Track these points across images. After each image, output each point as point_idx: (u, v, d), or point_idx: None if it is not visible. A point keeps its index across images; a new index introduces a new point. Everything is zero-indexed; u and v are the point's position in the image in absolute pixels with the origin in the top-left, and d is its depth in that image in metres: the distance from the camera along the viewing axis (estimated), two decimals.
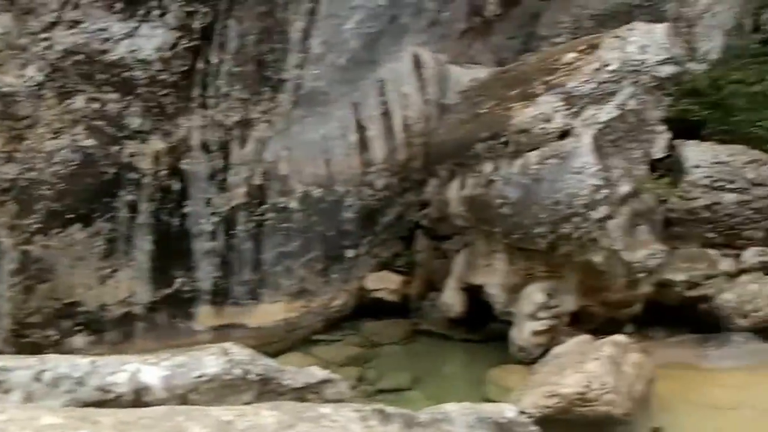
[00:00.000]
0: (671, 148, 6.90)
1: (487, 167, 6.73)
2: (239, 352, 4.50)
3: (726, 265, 6.74)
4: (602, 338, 6.05)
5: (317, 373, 4.62)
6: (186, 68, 6.72)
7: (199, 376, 4.23)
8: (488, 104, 7.11)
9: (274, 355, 6.65)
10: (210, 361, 4.33)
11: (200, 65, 6.81)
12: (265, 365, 4.52)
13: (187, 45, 6.69)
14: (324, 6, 7.22)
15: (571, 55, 6.97)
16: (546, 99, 6.65)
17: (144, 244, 6.76)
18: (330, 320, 7.43)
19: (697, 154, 6.88)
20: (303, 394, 4.51)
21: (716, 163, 6.84)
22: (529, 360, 6.31)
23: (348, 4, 7.34)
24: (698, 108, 7.06)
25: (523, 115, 6.64)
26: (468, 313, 7.11)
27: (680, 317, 6.73)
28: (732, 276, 6.72)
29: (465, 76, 7.91)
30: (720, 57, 7.62)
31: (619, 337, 6.03)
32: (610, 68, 6.71)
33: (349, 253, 7.53)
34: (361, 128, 7.50)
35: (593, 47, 6.93)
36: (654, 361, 6.16)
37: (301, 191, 7.28)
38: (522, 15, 8.62)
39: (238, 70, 6.95)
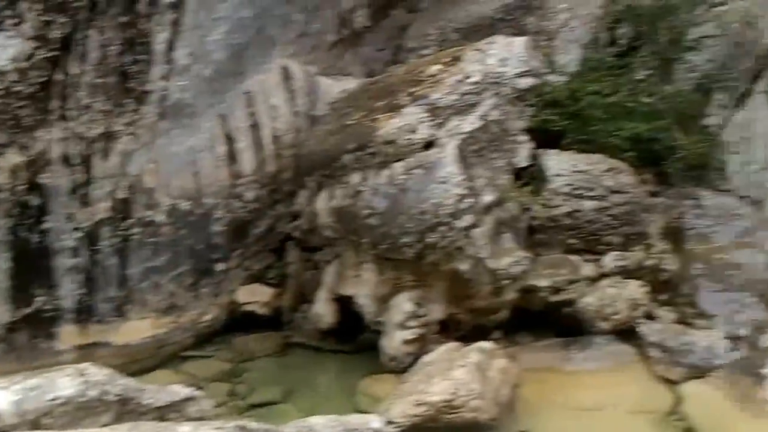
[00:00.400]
0: (534, 157, 7.07)
1: (355, 178, 6.77)
2: (96, 372, 4.39)
3: (587, 270, 6.93)
4: (470, 345, 6.20)
5: (179, 391, 4.56)
6: (44, 79, 6.48)
7: (53, 399, 4.11)
8: (356, 115, 7.16)
9: (142, 372, 6.60)
10: (64, 383, 4.20)
11: (59, 76, 6.58)
12: (124, 385, 4.43)
13: (45, 55, 6.45)
14: (188, 17, 7.09)
15: (435, 67, 7.10)
16: (411, 110, 6.75)
17: (1, 262, 6.49)
18: (200, 335, 7.30)
19: (558, 163, 7.06)
20: (164, 413, 4.44)
21: (576, 171, 7.04)
22: (400, 369, 6.37)
23: (213, 15, 7.24)
24: (558, 118, 7.21)
25: (389, 126, 6.71)
26: (340, 324, 7.13)
27: (545, 322, 6.90)
28: (593, 280, 6.91)
29: (335, 87, 7.93)
30: (578, 69, 7.85)
31: (485, 344, 6.18)
32: (471, 80, 6.87)
33: (220, 266, 7.43)
34: (229, 140, 7.41)
35: (456, 59, 7.08)
36: (520, 366, 6.35)
37: (169, 204, 7.13)
38: (391, 27, 8.73)
39: (100, 82, 6.75)
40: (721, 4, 7.64)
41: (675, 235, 7.21)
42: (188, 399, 4.52)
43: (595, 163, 7.11)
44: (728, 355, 6.41)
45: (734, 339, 6.53)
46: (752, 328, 6.60)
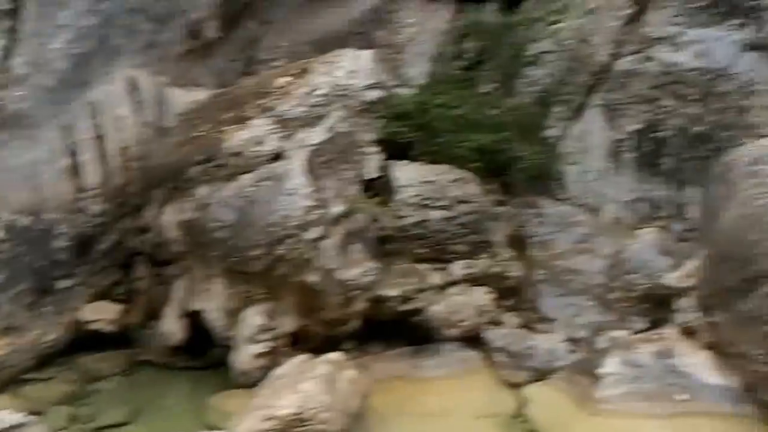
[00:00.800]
0: (383, 168, 7.15)
1: (203, 191, 6.70)
2: None
3: (435, 278, 7.04)
4: (320, 357, 6.21)
5: (7, 417, 4.37)
6: None
7: None
8: (204, 127, 7.08)
9: None
10: None
11: None
12: None
13: None
14: (27, 25, 6.88)
15: (283, 79, 7.11)
16: (259, 122, 6.75)
17: None
18: (42, 356, 7.01)
19: (406, 174, 7.16)
20: None
21: (424, 182, 7.15)
22: (251, 383, 6.31)
23: (54, 23, 7.03)
24: (407, 130, 7.32)
25: (237, 138, 6.69)
26: (190, 340, 7.01)
27: (396, 331, 6.97)
28: (441, 288, 7.03)
29: (184, 98, 7.80)
30: (426, 82, 8.03)
31: (334, 355, 6.21)
32: (319, 92, 6.92)
33: (63, 283, 7.17)
34: (72, 152, 7.19)
35: (304, 72, 7.12)
36: (371, 375, 6.43)
37: (6, 220, 6.87)
38: (243, 38, 8.67)
39: None
40: (558, 21, 7.96)
41: (519, 242, 7.43)
42: (19, 425, 4.33)
43: (442, 173, 7.24)
44: (568, 357, 6.68)
45: (573, 341, 6.81)
46: (590, 331, 6.88)
